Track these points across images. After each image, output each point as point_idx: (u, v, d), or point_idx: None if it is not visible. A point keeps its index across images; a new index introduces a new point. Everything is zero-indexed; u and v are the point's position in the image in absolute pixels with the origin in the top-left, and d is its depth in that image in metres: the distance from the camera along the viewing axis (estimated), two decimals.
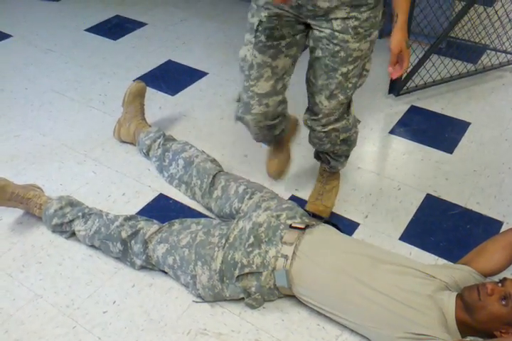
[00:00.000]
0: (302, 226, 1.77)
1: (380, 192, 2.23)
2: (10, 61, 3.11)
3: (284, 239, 1.74)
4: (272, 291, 1.73)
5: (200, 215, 2.09)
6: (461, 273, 1.67)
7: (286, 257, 1.70)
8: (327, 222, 1.87)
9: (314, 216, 1.89)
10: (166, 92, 2.85)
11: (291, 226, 1.78)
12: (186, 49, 3.23)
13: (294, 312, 1.74)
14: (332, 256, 1.68)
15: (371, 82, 2.87)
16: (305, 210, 1.92)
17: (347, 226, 2.03)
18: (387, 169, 2.38)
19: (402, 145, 2.51)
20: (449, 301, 1.55)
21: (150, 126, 2.44)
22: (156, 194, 2.23)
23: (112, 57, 3.16)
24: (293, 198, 2.17)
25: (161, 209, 2.14)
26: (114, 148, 2.47)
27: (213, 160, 2.21)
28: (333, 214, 2.11)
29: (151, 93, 2.79)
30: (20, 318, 1.71)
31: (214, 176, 2.10)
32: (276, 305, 1.77)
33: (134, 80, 2.78)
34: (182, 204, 2.17)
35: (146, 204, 2.18)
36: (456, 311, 1.53)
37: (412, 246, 1.97)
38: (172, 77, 2.97)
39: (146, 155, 2.35)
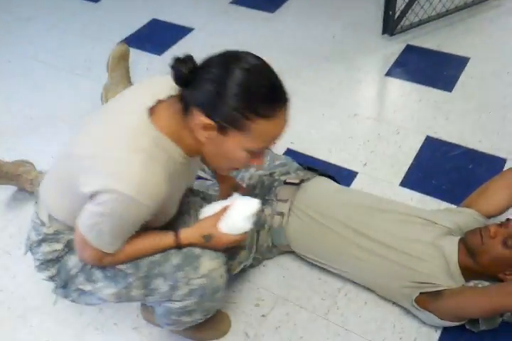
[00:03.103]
0: (296, 181, 1.72)
1: (379, 137, 2.15)
2: None
3: (278, 196, 1.69)
4: (270, 249, 1.70)
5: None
6: (464, 216, 1.61)
7: (282, 214, 1.66)
8: (323, 174, 1.81)
9: (309, 169, 1.83)
10: (152, 52, 2.75)
11: (285, 183, 1.73)
12: (170, 5, 3.09)
13: (294, 268, 1.71)
14: (329, 209, 1.63)
15: (363, 23, 2.76)
16: (300, 164, 1.86)
17: (345, 177, 1.97)
18: (384, 113, 2.29)
19: (399, 86, 2.40)
20: (452, 247, 1.50)
21: None
22: None
23: (94, 20, 3.04)
24: (288, 152, 2.11)
25: None
26: None
27: None
28: (330, 164, 2.05)
29: (137, 54, 2.69)
30: (22, 295, 1.71)
31: None
32: (276, 261, 1.74)
33: (118, 43, 2.68)
34: None
35: None
36: (459, 256, 1.48)
37: (414, 192, 1.91)
38: (157, 36, 2.86)
39: None
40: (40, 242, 1.27)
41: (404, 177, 1.97)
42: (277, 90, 1.03)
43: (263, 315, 1.60)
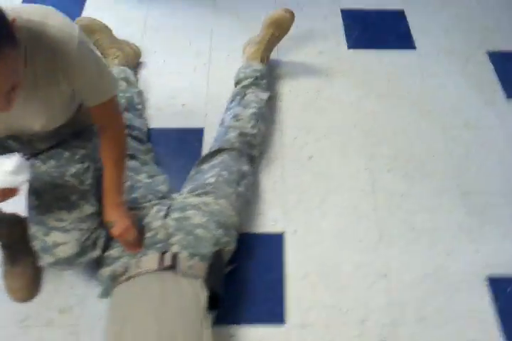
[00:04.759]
0: (168, 263, 1.37)
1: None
2: None
3: (140, 260, 1.40)
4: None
5: None
6: None
7: (122, 274, 1.39)
8: (210, 287, 1.37)
9: (211, 273, 1.41)
10: (346, 40, 2.27)
11: (163, 253, 1.39)
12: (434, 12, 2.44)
13: None
14: (142, 314, 1.30)
15: None
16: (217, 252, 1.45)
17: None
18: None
19: None
20: None
21: (263, 60, 2.05)
22: (201, 126, 1.98)
23: None
24: (264, 236, 1.70)
25: (183, 142, 1.94)
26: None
27: (245, 135, 1.77)
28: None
29: (332, 28, 2.32)
30: None
31: (219, 149, 1.74)
32: None
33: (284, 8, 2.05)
34: (203, 149, 1.90)
35: (179, 127, 1.97)
36: None
37: None
38: (377, 29, 2.33)
39: (235, 86, 2.01)
40: None
41: None
42: None
43: None
